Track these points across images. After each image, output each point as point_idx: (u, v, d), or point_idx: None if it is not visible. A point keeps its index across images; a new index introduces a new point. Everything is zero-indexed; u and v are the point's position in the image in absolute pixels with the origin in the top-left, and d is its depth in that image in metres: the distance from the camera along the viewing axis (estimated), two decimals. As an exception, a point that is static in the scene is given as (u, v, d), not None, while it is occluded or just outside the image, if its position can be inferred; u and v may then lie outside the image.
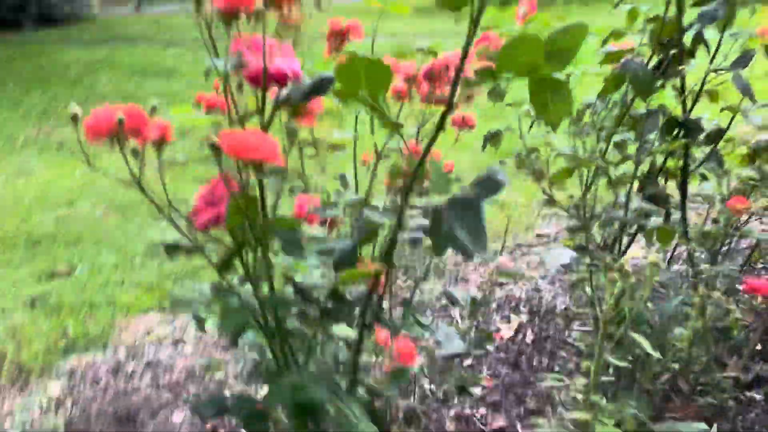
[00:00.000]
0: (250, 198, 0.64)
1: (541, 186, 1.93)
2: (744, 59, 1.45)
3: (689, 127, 1.52)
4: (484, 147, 1.88)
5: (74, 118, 0.67)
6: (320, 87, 0.66)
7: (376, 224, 0.73)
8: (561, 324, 2.13)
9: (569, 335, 2.06)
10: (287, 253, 0.67)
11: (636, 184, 1.76)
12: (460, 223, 0.61)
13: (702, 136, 1.54)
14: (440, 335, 0.87)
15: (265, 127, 0.68)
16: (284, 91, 0.68)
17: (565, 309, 2.23)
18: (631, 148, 1.73)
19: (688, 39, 1.56)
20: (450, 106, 0.65)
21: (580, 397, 1.02)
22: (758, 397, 1.79)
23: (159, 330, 2.22)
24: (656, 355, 0.95)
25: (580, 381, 1.02)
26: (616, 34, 1.86)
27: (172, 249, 0.70)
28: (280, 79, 0.66)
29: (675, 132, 1.53)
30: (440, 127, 0.67)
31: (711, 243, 1.86)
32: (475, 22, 0.62)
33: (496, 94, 1.59)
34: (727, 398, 1.69)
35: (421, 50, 0.91)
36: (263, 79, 0.65)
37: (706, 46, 1.51)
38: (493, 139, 1.89)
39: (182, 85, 5.91)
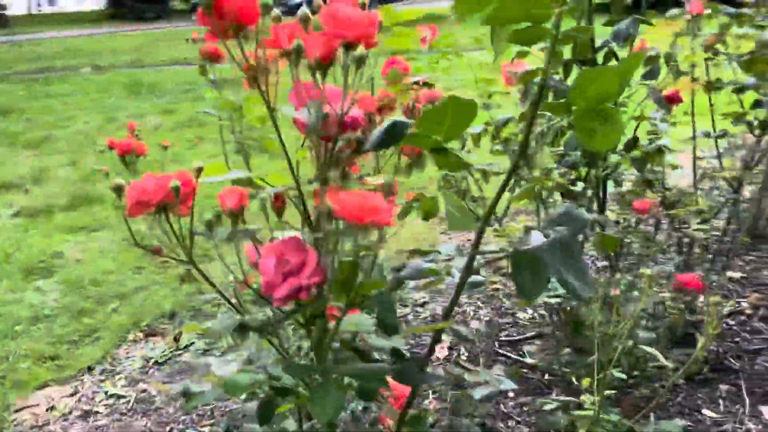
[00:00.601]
0: (354, 264, 0.57)
1: (465, 203, 1.97)
2: (652, 72, 1.58)
3: (609, 139, 1.61)
4: (409, 171, 1.87)
5: (118, 191, 0.56)
6: (395, 133, 0.60)
7: (435, 272, 0.69)
8: (489, 337, 2.18)
9: (499, 347, 2.11)
10: (382, 317, 0.61)
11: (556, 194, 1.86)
12: (565, 266, 0.58)
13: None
14: (494, 377, 0.84)
15: (326, 180, 0.61)
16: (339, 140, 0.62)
17: (489, 321, 2.28)
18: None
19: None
20: (527, 143, 0.63)
21: (590, 414, 1.04)
22: (680, 381, 1.93)
23: (63, 403, 1.98)
24: (670, 365, 0.98)
25: (589, 398, 1.04)
26: (521, 53, 1.95)
27: (242, 330, 0.61)
28: (352, 128, 0.60)
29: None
30: (516, 165, 0.65)
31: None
32: (552, 53, 0.60)
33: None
34: (657, 387, 1.81)
35: (416, 83, 0.88)
36: (339, 129, 0.58)
37: (617, 60, 1.61)
38: (417, 161, 1.89)
39: (22, 125, 5.36)
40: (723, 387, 1.94)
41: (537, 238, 0.65)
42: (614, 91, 0.62)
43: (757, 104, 2.04)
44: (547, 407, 1.12)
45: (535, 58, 2.02)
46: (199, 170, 0.61)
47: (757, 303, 2.34)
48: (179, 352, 2.23)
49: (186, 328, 0.78)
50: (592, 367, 1.39)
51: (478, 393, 0.83)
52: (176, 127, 5.14)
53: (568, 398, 1.11)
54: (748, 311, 2.32)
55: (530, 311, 2.26)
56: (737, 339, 2.17)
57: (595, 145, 0.72)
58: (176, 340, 2.21)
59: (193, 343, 2.26)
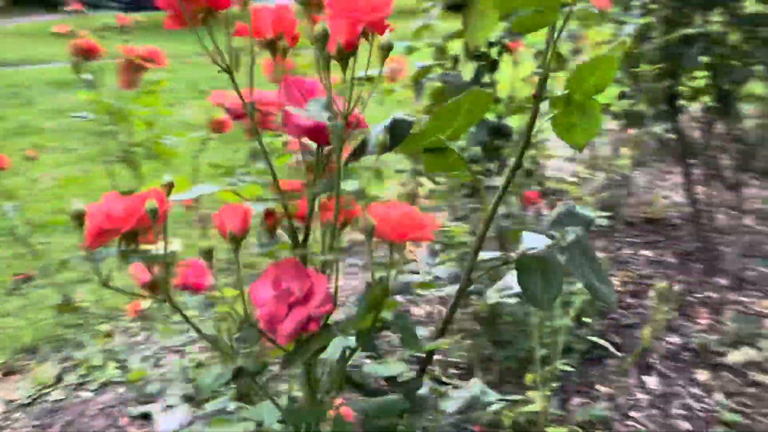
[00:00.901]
0: (385, 287, 0.49)
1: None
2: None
3: (504, 132, 1.64)
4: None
5: (79, 218, 0.44)
6: (398, 133, 0.53)
7: (429, 285, 0.62)
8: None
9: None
10: (406, 343, 0.53)
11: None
12: (589, 269, 0.54)
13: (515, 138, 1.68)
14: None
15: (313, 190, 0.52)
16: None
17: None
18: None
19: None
20: (529, 140, 0.59)
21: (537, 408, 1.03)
22: (570, 367, 2.02)
23: None
24: (618, 354, 0.99)
25: (535, 394, 1.03)
26: (411, 49, 1.93)
27: (238, 377, 0.50)
28: (355, 129, 0.52)
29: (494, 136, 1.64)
30: (518, 165, 0.60)
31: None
32: (553, 44, 0.56)
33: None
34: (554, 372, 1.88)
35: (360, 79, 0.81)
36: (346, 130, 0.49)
37: (511, 55, 1.64)
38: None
39: None
40: (610, 362, 2.06)
41: (535, 241, 0.61)
42: (610, 80, 0.60)
43: (621, 96, 2.18)
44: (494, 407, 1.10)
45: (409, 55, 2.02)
46: (171, 186, 0.50)
47: (626, 280, 2.52)
48: (47, 390, 1.98)
49: (131, 376, 0.65)
50: (514, 360, 1.40)
51: (451, 406, 0.77)
52: (6, 135, 4.60)
53: (517, 397, 1.10)
54: (620, 288, 2.50)
55: (427, 307, 2.26)
56: (614, 315, 2.32)
57: (575, 139, 0.69)
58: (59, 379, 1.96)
59: (61, 378, 2.02)
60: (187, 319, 0.52)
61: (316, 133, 0.50)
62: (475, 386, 0.71)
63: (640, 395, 1.92)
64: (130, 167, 1.32)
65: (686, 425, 1.79)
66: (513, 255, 0.58)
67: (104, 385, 1.99)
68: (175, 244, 1.36)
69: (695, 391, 1.93)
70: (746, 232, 2.85)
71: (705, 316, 2.33)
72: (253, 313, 0.49)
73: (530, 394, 1.05)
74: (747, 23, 2.40)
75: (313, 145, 0.54)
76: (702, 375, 2.01)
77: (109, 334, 1.24)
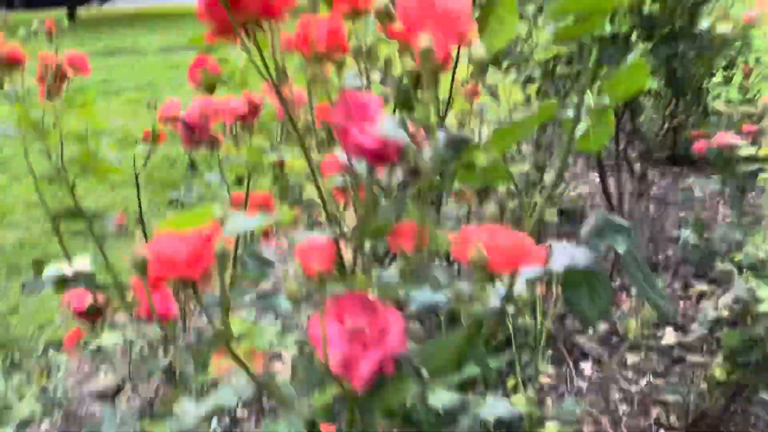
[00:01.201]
0: (480, 322, 0.44)
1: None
2: (484, 68, 1.63)
3: (467, 142, 1.64)
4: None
5: (141, 267, 0.37)
6: (457, 148, 0.49)
7: (459, 303, 0.59)
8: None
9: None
10: (486, 372, 0.49)
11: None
12: (647, 281, 0.53)
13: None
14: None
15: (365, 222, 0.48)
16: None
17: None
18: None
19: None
20: (569, 148, 0.57)
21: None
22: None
23: None
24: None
25: (519, 399, 1.02)
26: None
27: (313, 425, 0.44)
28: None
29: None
30: (562, 171, 0.58)
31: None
32: (597, 52, 0.55)
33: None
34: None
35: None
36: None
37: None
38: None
39: None
40: (547, 352, 2.12)
41: (571, 252, 0.60)
42: (639, 86, 0.59)
43: (537, 92, 2.25)
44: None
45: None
46: (224, 219, 0.43)
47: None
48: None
49: (150, 426, 0.58)
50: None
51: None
52: None
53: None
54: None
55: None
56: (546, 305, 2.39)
57: (588, 145, 0.69)
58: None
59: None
60: (241, 362, 0.46)
61: (381, 154, 0.46)
62: (497, 400, 0.69)
63: (581, 383, 1.99)
64: (62, 186, 1.20)
65: (626, 408, 1.87)
66: (555, 268, 0.57)
67: (25, 424, 1.82)
68: (85, 262, 1.24)
69: (628, 374, 2.03)
70: (652, 219, 3.03)
71: (625, 300, 2.46)
72: (320, 356, 0.43)
73: (515, 398, 1.05)
74: (647, 22, 2.55)
75: (359, 165, 0.49)
76: (632, 357, 2.11)
77: (43, 373, 1.12)
